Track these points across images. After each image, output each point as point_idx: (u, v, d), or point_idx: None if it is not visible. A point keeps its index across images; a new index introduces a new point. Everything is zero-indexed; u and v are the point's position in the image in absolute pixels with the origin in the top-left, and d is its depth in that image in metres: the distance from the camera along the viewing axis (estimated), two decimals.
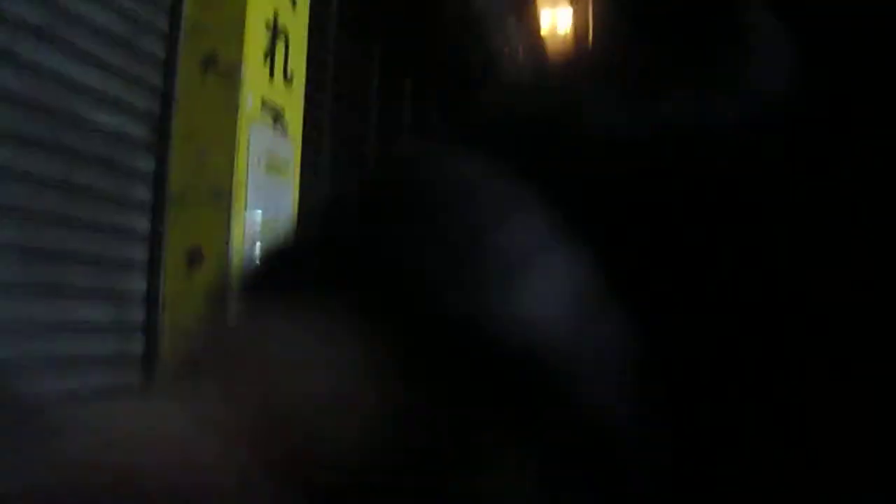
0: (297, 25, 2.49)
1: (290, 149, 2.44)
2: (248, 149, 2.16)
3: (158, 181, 2.14)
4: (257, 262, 0.22)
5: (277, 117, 2.34)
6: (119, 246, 2.04)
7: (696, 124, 0.24)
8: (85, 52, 1.92)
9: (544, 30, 6.15)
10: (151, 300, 2.07)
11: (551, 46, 6.71)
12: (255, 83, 2.22)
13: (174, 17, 2.23)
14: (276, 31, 2.33)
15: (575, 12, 6.70)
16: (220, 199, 2.08)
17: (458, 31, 5.55)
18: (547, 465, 0.20)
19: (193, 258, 2.06)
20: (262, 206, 2.24)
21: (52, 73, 1.82)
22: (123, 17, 2.07)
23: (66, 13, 1.87)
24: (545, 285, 0.22)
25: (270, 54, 2.31)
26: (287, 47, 2.41)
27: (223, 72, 2.15)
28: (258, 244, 2.20)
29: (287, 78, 2.41)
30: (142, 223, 2.11)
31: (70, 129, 1.88)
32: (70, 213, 1.87)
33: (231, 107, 2.13)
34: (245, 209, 2.13)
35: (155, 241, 2.10)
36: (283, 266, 0.22)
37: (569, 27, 7.65)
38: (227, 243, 2.06)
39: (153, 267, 2.08)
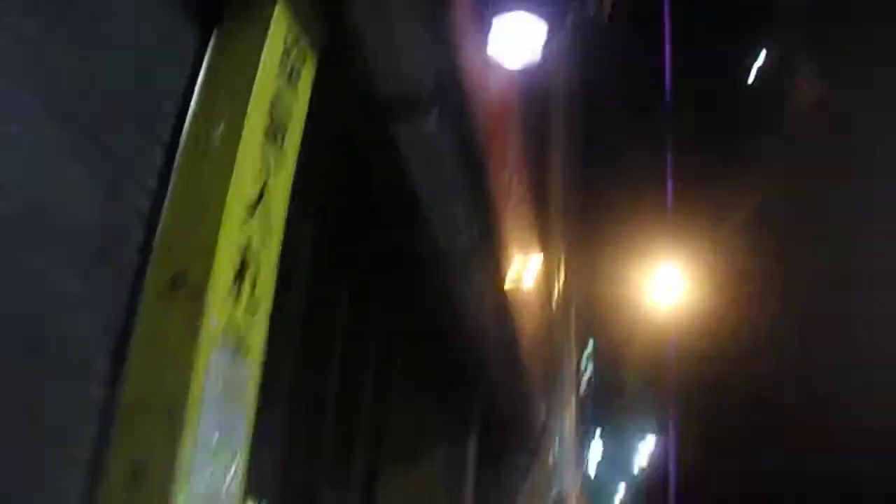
0: (269, 254, 2.54)
1: (249, 375, 2.42)
2: (206, 370, 2.14)
3: (112, 390, 2.11)
4: None
5: (240, 343, 2.34)
6: (62, 466, 1.98)
7: None
8: (53, 245, 1.95)
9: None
10: None
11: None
12: (221, 306, 2.23)
13: (149, 230, 2.28)
14: (246, 258, 2.37)
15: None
16: (172, 417, 2.04)
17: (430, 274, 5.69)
18: None
19: (137, 473, 1.99)
20: (216, 428, 2.19)
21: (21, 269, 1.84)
22: (100, 229, 2.12)
23: (39, 207, 1.91)
24: None
25: (239, 280, 2.34)
26: (257, 275, 2.44)
27: (190, 291, 2.17)
28: (206, 467, 2.14)
29: (253, 305, 2.43)
30: (90, 431, 2.06)
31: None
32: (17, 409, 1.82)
33: (194, 326, 2.13)
34: (197, 431, 2.08)
35: (101, 448, 2.05)
36: None
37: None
38: (174, 462, 2.00)
39: (95, 476, 2.02)
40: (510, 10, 3.10)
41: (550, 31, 4.28)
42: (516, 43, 3.81)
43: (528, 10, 3.04)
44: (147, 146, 2.32)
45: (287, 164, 2.68)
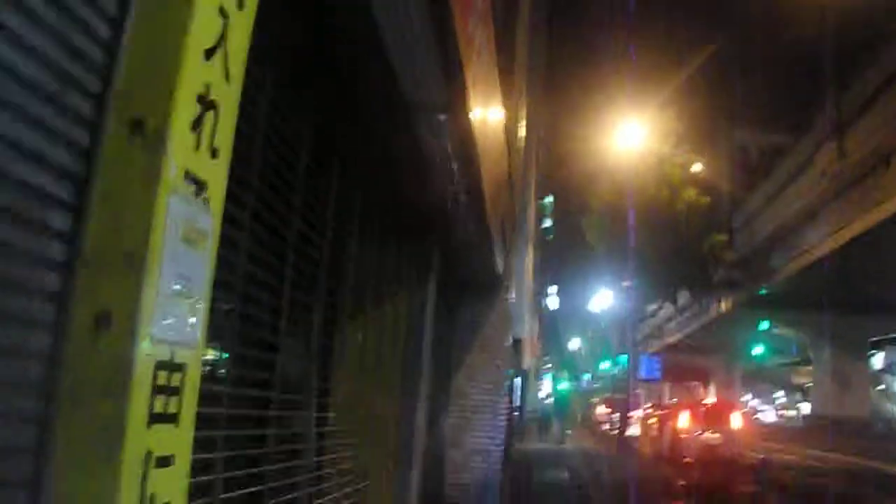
0: (229, 99, 2.49)
1: (210, 222, 2.41)
2: (166, 217, 2.13)
3: (72, 241, 2.11)
4: None
5: (200, 189, 2.32)
6: (24, 303, 1.99)
7: None
8: (7, 101, 1.91)
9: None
10: (54, 360, 2.02)
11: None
12: (181, 153, 2.21)
13: (105, 78, 2.23)
14: (206, 103, 2.33)
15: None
16: (133, 265, 2.05)
17: (388, 127, 5.64)
18: None
19: (101, 322, 2.01)
20: (176, 276, 2.20)
21: None
22: (53, 73, 2.07)
23: None
24: None
25: (198, 125, 2.30)
26: (216, 120, 2.40)
27: (149, 138, 2.14)
28: (169, 314, 2.16)
29: (213, 151, 2.40)
30: (51, 283, 2.06)
31: None
32: None
33: (153, 173, 2.11)
34: (158, 277, 2.09)
35: (62, 300, 2.06)
36: None
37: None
38: (137, 310, 2.02)
39: (58, 327, 2.04)
40: None
41: None
42: None
43: None
44: None
45: (247, 7, 2.60)
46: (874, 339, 41.37)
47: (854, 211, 25.20)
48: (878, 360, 46.66)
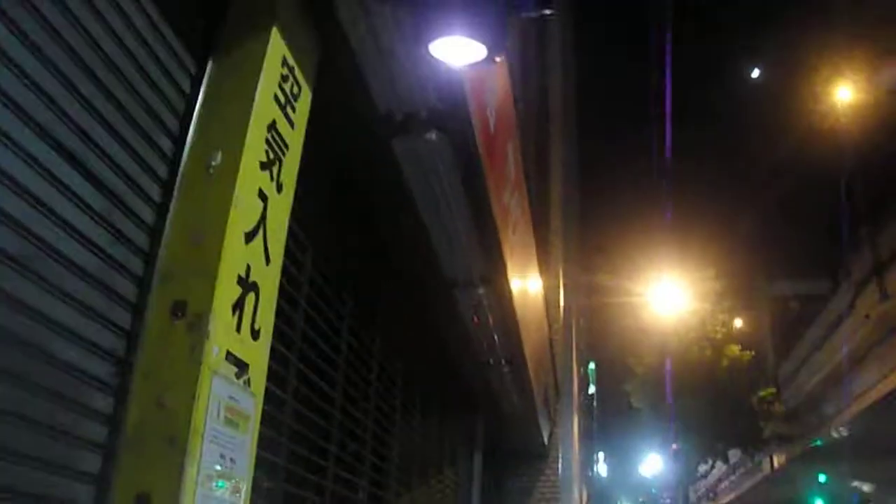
0: (269, 281, 2.54)
1: (252, 403, 2.41)
2: (208, 398, 2.13)
3: (114, 422, 2.11)
4: None
5: (241, 370, 2.33)
6: (67, 485, 1.98)
7: None
8: (55, 284, 1.95)
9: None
10: None
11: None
12: (222, 334, 2.23)
13: (148, 260, 2.28)
14: (247, 285, 2.37)
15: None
16: (175, 446, 2.03)
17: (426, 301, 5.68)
18: None
19: (141, 502, 1.98)
20: (218, 457, 2.18)
21: (19, 300, 1.84)
22: (98, 256, 2.12)
23: (43, 244, 1.92)
24: None
25: (240, 307, 2.33)
26: (257, 302, 2.44)
27: (191, 320, 2.17)
28: (210, 496, 2.12)
29: (254, 332, 2.42)
30: (92, 463, 2.05)
31: (30, 359, 1.88)
32: (17, 447, 1.82)
33: (195, 355, 2.13)
34: (199, 459, 2.07)
35: (104, 482, 2.04)
36: None
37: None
38: (178, 493, 1.99)
39: None
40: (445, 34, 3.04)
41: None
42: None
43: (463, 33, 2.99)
44: (143, 178, 2.33)
45: (285, 191, 2.68)
46: None
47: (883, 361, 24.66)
48: None
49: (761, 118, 27.46)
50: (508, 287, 5.72)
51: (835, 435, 31.88)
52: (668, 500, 41.24)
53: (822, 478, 38.79)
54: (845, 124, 24.29)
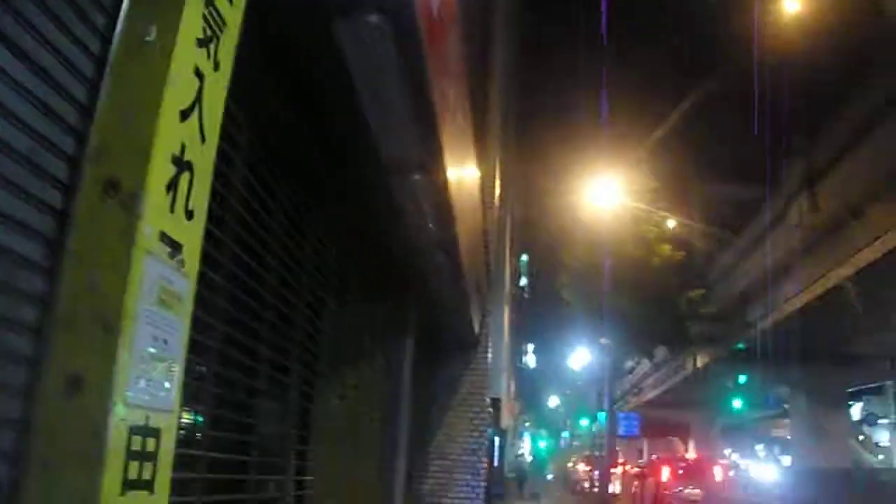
0: (204, 161, 2.49)
1: (185, 284, 2.39)
2: (141, 279, 2.11)
3: (45, 304, 2.08)
4: None
5: (175, 250, 2.30)
6: None
7: None
8: None
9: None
10: (24, 427, 1.98)
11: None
12: (155, 214, 2.19)
13: (80, 139, 2.22)
14: (181, 164, 2.32)
15: None
16: (107, 327, 2.02)
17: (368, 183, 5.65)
18: None
19: (72, 385, 1.97)
20: (151, 338, 2.17)
21: None
22: (27, 134, 2.06)
23: None
24: None
25: (174, 187, 2.29)
26: (192, 181, 2.39)
27: (123, 199, 2.12)
28: (143, 377, 2.12)
29: (188, 212, 2.38)
30: (23, 345, 2.03)
31: None
32: None
33: (128, 234, 2.09)
34: (132, 340, 2.06)
35: (35, 364, 2.02)
36: None
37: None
38: (111, 373, 1.99)
39: (30, 391, 2.00)
40: None
41: None
42: None
43: None
44: (74, 54, 2.25)
45: (222, 69, 2.61)
46: (851, 389, 41.46)
47: (828, 263, 25.40)
48: (856, 411, 46.77)
49: (705, 20, 27.37)
50: (445, 175, 5.72)
51: (755, 339, 33.01)
52: (593, 394, 42.54)
53: (742, 378, 40.33)
54: (788, 32, 24.35)
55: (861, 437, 49.22)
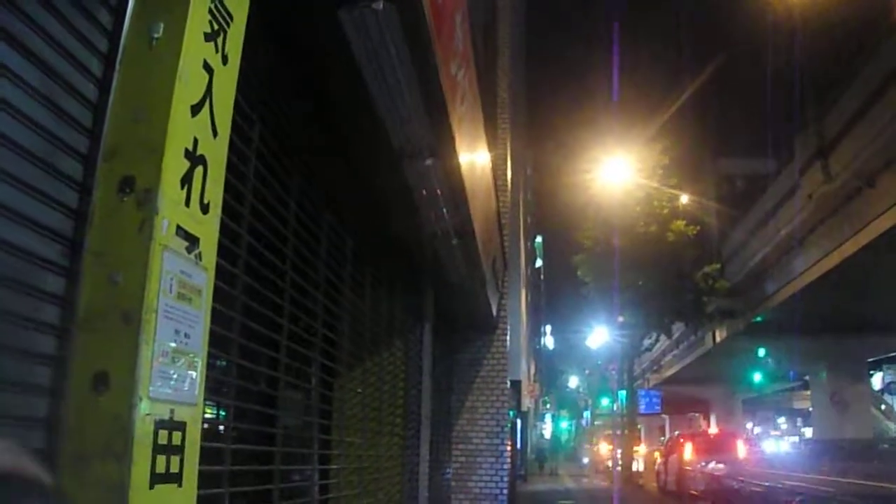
0: (217, 154, 2.50)
1: (204, 277, 2.41)
2: (160, 273, 2.12)
3: (67, 304, 2.10)
4: None
5: (192, 244, 2.32)
6: (21, 369, 1.98)
7: None
8: None
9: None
10: (53, 425, 2.00)
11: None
12: (171, 208, 2.21)
13: (93, 138, 2.23)
14: (194, 159, 2.33)
15: None
16: (130, 324, 2.03)
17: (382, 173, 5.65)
18: None
19: (99, 383, 1.99)
20: (173, 333, 2.18)
21: None
22: (41, 136, 2.07)
23: None
24: None
25: (188, 181, 2.30)
26: (205, 175, 2.40)
27: (139, 195, 2.14)
28: (167, 372, 2.14)
29: (203, 206, 2.40)
30: (48, 345, 2.05)
31: None
32: None
33: (145, 230, 2.11)
34: (154, 335, 2.08)
35: (61, 364, 2.04)
36: None
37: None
38: (135, 369, 2.00)
39: (56, 391, 2.02)
40: None
41: None
42: None
43: None
44: (83, 54, 2.26)
45: (231, 62, 2.61)
46: (872, 359, 41.34)
47: (843, 233, 25.31)
48: (877, 381, 46.66)
49: None
50: (457, 158, 5.72)
51: (773, 312, 32.88)
52: (613, 371, 42.53)
53: (761, 352, 40.23)
54: (800, 6, 24.19)
55: (883, 406, 49.08)
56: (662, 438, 43.63)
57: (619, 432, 38.39)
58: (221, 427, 3.66)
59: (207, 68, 2.44)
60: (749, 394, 56.48)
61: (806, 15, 23.15)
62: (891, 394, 48.66)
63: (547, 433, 60.93)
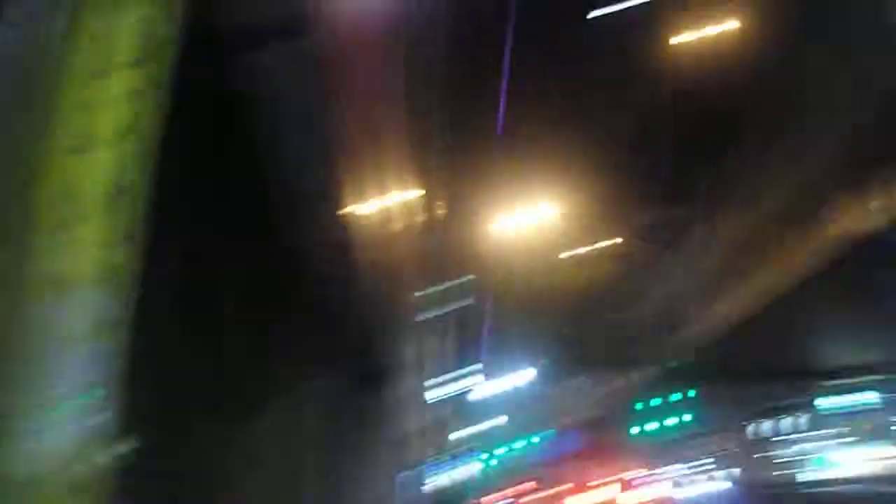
0: (134, 198, 2.45)
1: (118, 312, 2.36)
2: (69, 309, 2.11)
3: None
4: None
5: (107, 279, 2.28)
6: None
7: None
8: None
9: None
10: None
11: None
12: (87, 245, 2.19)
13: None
14: (112, 196, 2.31)
15: None
16: (36, 360, 2.02)
17: None
18: None
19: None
20: (83, 368, 2.15)
21: None
22: None
23: None
24: None
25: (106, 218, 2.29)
26: (124, 214, 2.38)
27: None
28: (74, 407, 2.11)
29: (125, 238, 2.37)
30: None
31: None
32: None
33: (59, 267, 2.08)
34: (64, 370, 2.06)
35: None
36: None
37: None
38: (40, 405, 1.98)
39: None
40: None
41: None
42: None
43: None
44: None
45: (156, 92, 2.59)
46: (773, 405, 41.92)
47: (748, 279, 25.70)
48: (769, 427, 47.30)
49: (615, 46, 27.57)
50: (359, 202, 5.58)
51: (687, 358, 33.16)
52: (533, 413, 42.07)
53: (676, 396, 40.47)
54: (694, 58, 24.62)
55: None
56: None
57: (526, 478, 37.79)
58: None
59: (133, 97, 2.44)
60: (667, 436, 56.67)
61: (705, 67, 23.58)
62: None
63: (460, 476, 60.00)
